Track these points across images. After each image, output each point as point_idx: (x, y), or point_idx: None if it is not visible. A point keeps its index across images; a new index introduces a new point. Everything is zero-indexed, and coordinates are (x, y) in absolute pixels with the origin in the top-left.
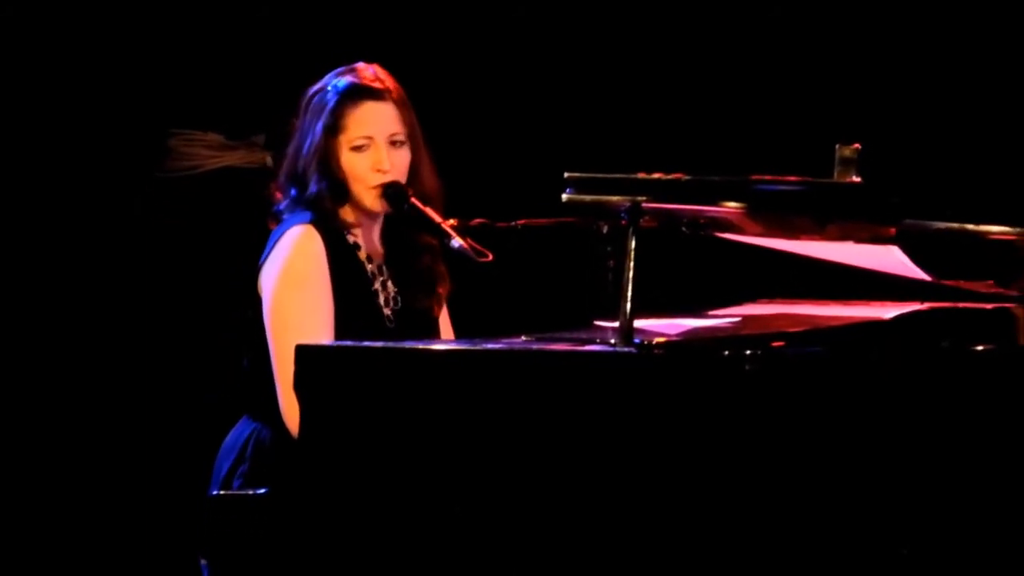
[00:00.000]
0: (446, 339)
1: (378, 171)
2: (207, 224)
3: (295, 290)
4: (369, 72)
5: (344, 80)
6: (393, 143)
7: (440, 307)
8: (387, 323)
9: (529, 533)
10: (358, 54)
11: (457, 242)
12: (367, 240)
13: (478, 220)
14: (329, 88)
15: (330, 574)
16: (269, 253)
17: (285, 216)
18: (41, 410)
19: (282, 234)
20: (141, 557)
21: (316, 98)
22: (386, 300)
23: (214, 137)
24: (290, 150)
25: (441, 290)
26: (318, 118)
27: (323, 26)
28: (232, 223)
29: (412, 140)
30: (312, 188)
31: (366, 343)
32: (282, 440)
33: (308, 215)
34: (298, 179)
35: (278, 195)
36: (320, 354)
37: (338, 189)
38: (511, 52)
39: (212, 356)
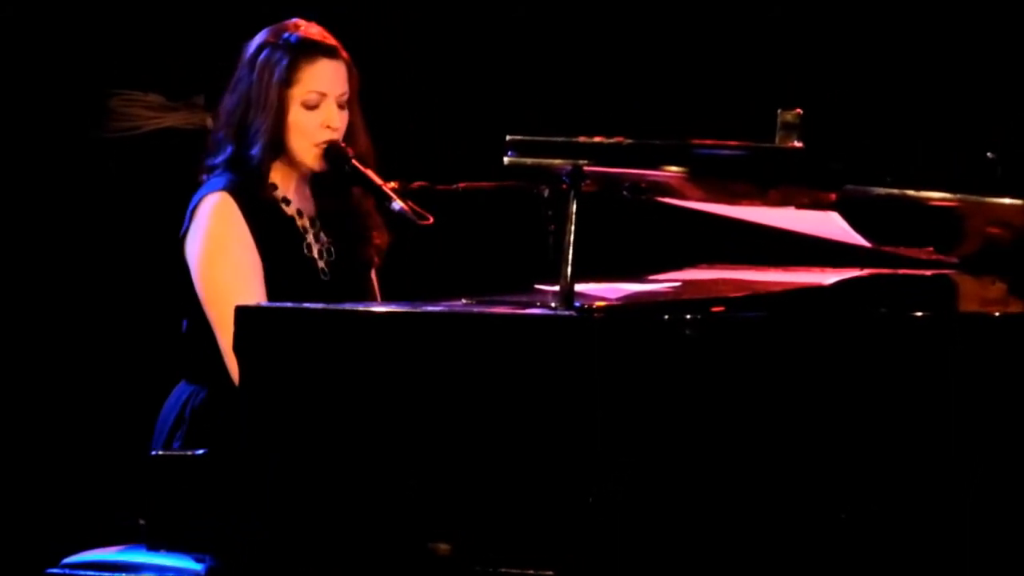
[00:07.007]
0: (386, 301)
1: (327, 128)
2: (147, 185)
3: (220, 259)
4: (315, 30)
5: (295, 35)
6: (340, 104)
7: (379, 258)
8: (321, 275)
9: (466, 494)
10: (297, 13)
11: (398, 205)
12: (297, 195)
13: (419, 183)
14: (280, 42)
15: (269, 533)
16: (189, 225)
17: (204, 178)
18: None
19: (197, 204)
20: (81, 518)
21: (264, 52)
22: (320, 252)
23: (154, 98)
24: (227, 105)
25: (378, 240)
26: (268, 71)
27: None
28: (172, 184)
29: (352, 102)
30: (251, 143)
31: (305, 305)
32: (219, 403)
33: (222, 181)
34: (238, 134)
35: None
36: (259, 315)
37: (277, 145)
38: (453, 13)
39: (150, 320)
